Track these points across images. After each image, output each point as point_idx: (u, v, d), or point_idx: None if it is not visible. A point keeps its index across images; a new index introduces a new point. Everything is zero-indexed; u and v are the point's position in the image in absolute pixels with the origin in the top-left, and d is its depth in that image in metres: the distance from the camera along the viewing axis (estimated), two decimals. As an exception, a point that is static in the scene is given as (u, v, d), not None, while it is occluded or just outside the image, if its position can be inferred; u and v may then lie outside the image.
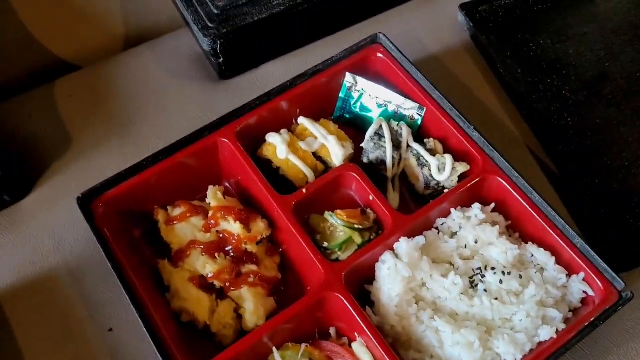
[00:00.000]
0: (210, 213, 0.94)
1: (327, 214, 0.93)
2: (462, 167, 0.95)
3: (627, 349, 0.91)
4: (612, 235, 0.96)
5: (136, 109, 1.13)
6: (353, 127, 1.06)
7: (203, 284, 0.90)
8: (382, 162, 0.98)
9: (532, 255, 0.90)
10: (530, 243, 0.91)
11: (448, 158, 0.95)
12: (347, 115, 1.08)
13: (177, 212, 0.95)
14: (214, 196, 0.95)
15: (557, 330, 0.83)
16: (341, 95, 1.06)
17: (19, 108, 1.12)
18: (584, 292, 0.87)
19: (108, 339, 0.91)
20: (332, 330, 0.89)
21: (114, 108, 1.13)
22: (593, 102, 1.12)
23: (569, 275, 0.88)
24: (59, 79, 1.16)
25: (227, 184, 1.01)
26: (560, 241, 0.89)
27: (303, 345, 0.86)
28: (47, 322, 0.92)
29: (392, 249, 0.90)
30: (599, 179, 1.03)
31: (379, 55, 1.05)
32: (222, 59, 1.11)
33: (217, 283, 0.89)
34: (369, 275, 0.90)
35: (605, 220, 0.98)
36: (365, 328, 0.83)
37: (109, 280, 0.94)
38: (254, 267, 0.91)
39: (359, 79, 1.04)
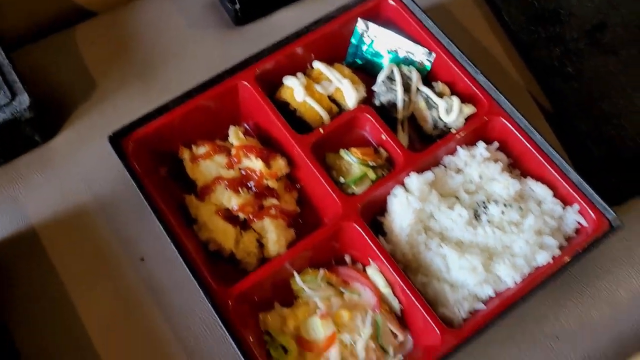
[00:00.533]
0: (233, 151, 1.00)
1: (342, 152, 1.00)
2: (469, 109, 1.01)
3: (615, 275, 1.00)
4: (605, 173, 1.03)
5: (155, 55, 1.17)
6: (364, 71, 1.11)
7: (228, 216, 0.97)
8: (393, 105, 1.04)
9: (532, 190, 0.98)
10: (529, 178, 0.99)
11: (455, 100, 1.01)
12: (359, 61, 1.13)
13: (201, 150, 1.01)
14: (235, 136, 1.01)
15: (553, 256, 0.91)
16: (353, 40, 1.11)
17: (41, 53, 1.16)
18: (578, 222, 0.95)
19: (141, 269, 0.99)
20: (347, 258, 0.97)
21: (134, 54, 1.17)
22: (592, 50, 1.17)
23: (564, 207, 0.96)
24: (78, 25, 1.20)
25: (245, 126, 1.07)
26: (558, 176, 0.97)
27: (321, 270, 0.94)
28: (84, 255, 1.00)
29: (403, 184, 0.97)
30: (595, 122, 1.09)
31: (391, 2, 1.10)
32: (237, 5, 1.15)
33: (241, 215, 0.96)
34: (382, 208, 0.98)
35: (599, 160, 1.05)
36: (379, 254, 0.91)
37: (138, 215, 1.02)
38: (275, 201, 0.98)
39: (371, 25, 1.09)
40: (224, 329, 0.85)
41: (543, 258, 0.91)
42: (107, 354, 0.93)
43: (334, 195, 0.95)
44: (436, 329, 0.86)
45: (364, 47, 1.11)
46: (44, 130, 1.08)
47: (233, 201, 0.96)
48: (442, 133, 1.04)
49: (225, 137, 1.04)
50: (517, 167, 1.02)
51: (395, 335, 0.90)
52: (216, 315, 0.85)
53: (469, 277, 0.90)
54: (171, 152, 1.03)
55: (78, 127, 1.10)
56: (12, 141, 1.05)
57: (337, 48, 1.12)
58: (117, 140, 0.98)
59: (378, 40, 1.10)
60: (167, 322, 0.95)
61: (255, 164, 0.98)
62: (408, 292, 0.88)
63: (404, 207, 0.94)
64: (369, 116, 1.01)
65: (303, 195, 1.02)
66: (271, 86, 1.06)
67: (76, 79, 1.14)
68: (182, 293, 0.96)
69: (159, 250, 0.99)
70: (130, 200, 1.02)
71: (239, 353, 0.83)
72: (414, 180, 0.95)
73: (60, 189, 1.04)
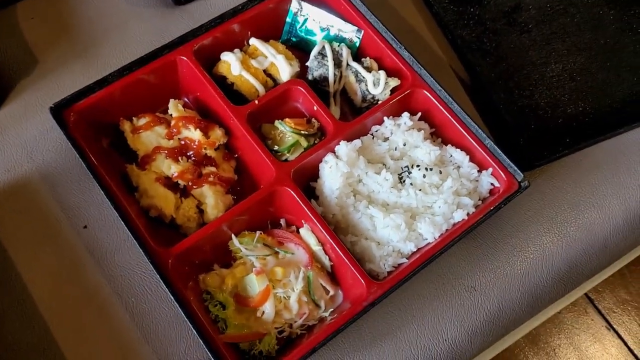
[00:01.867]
0: (173, 122, 1.05)
1: (277, 122, 1.06)
2: (394, 82, 1.09)
3: (526, 232, 1.10)
4: (517, 140, 1.13)
5: (95, 32, 1.20)
6: (298, 49, 1.17)
7: (168, 183, 1.02)
8: (325, 79, 1.11)
9: (451, 155, 1.07)
10: (449, 145, 1.08)
11: (382, 74, 1.09)
12: (294, 39, 1.19)
13: (142, 122, 1.05)
14: (175, 108, 1.06)
15: (468, 213, 1.00)
16: (288, 19, 1.17)
17: (-19, 29, 1.18)
18: (492, 184, 1.05)
19: (83, 235, 1.03)
20: (282, 221, 1.03)
21: (75, 31, 1.20)
22: (509, 29, 1.27)
23: (480, 171, 1.06)
24: (18, 2, 1.22)
25: (185, 99, 1.12)
26: (474, 143, 1.06)
27: (257, 233, 1.00)
28: (26, 224, 1.02)
29: (334, 152, 1.04)
30: (510, 93, 1.19)
31: (322, -18, 1.17)
32: (178, -15, 1.20)
33: (181, 182, 1.01)
34: (314, 175, 1.05)
35: (513, 128, 1.15)
36: (311, 216, 0.97)
37: (80, 184, 1.06)
38: (213, 169, 1.03)
39: (304, 4, 1.16)
40: (164, 287, 0.90)
41: (459, 215, 1.00)
42: (52, 317, 0.96)
43: (268, 161, 1.01)
44: (363, 281, 0.93)
45: (298, 26, 1.18)
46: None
47: (173, 169, 1.01)
48: (370, 105, 1.11)
49: (165, 110, 1.08)
50: (439, 135, 1.11)
51: (327, 291, 0.98)
52: (157, 274, 0.91)
53: (393, 235, 0.98)
54: (112, 124, 1.07)
55: (19, 102, 1.12)
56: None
57: (272, 26, 1.18)
58: (59, 111, 1.01)
59: (311, 19, 1.17)
60: (110, 284, 0.99)
61: (194, 134, 1.03)
62: (338, 250, 0.96)
63: (333, 172, 1.01)
64: (301, 89, 1.08)
65: (240, 164, 1.08)
66: (209, 61, 1.11)
67: (16, 55, 1.16)
68: (124, 257, 1.01)
69: (101, 218, 1.03)
70: (73, 170, 1.07)
71: (179, 308, 0.89)
72: (343, 147, 1.03)
73: (2, 161, 1.07)
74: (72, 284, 0.99)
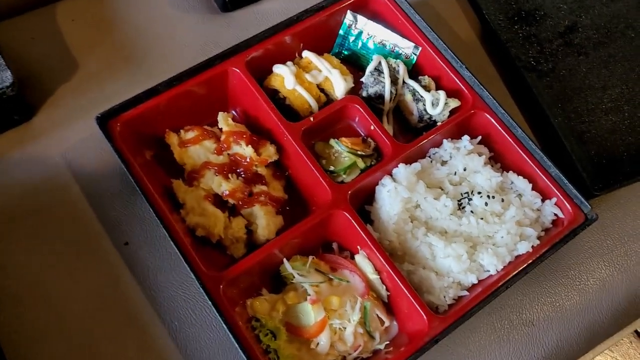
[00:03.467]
0: (223, 137, 1.00)
1: (332, 141, 1.01)
2: (454, 103, 1.04)
3: (585, 266, 1.05)
4: (574, 167, 1.08)
5: (139, 37, 1.15)
6: (349, 63, 1.13)
7: (216, 201, 0.97)
8: (380, 97, 1.06)
9: (512, 182, 1.02)
10: (510, 172, 1.03)
11: (442, 94, 1.04)
12: (345, 52, 1.14)
13: (189, 135, 1.00)
14: (225, 122, 1.01)
15: (532, 245, 0.95)
16: (341, 32, 1.12)
17: (20, 30, 1.12)
18: (555, 214, 1.00)
19: (124, 252, 0.97)
20: (334, 245, 0.98)
21: (117, 35, 1.15)
22: (565, 50, 1.23)
23: (543, 200, 1.01)
24: (58, 3, 1.17)
25: (233, 112, 1.07)
26: (537, 170, 1.01)
27: (310, 258, 0.95)
28: (65, 235, 0.97)
29: (391, 174, 0.99)
30: (568, 119, 1.15)
31: (379, -5, 1.12)
32: (227, -8, 1.15)
33: (231, 201, 0.96)
34: (367, 197, 1.00)
35: (571, 154, 1.10)
36: (368, 241, 0.92)
37: (122, 198, 1.01)
38: (264, 188, 0.98)
39: (359, 17, 1.11)
40: (212, 312, 0.85)
41: (523, 247, 0.95)
42: (92, 336, 0.91)
43: (324, 183, 0.96)
44: (423, 314, 0.88)
45: (351, 39, 1.13)
46: (24, 108, 1.04)
47: (223, 186, 0.96)
48: (427, 126, 1.07)
49: (211, 123, 1.04)
50: (499, 160, 1.06)
51: (382, 322, 0.93)
52: (207, 300, 0.85)
53: (454, 265, 0.93)
54: (156, 135, 1.02)
55: (60, 107, 1.06)
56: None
57: (324, 38, 1.13)
58: (104, 121, 0.96)
59: (365, 33, 1.12)
60: (152, 305, 0.94)
61: (245, 150, 0.98)
62: (396, 279, 0.91)
63: (392, 197, 0.96)
64: (358, 107, 1.03)
65: (290, 183, 1.03)
66: (258, 73, 1.06)
67: (57, 58, 1.11)
68: (166, 277, 0.96)
69: (143, 235, 0.98)
70: (113, 182, 1.01)
71: (233, 338, 0.84)
72: (402, 170, 0.98)
73: (39, 168, 1.01)
74: (112, 303, 0.94)
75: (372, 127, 1.02)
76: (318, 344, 0.88)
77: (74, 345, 0.90)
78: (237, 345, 0.83)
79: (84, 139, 1.04)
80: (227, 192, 0.95)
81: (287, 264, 0.93)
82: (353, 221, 0.93)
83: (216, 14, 1.19)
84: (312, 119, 1.00)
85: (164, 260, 0.97)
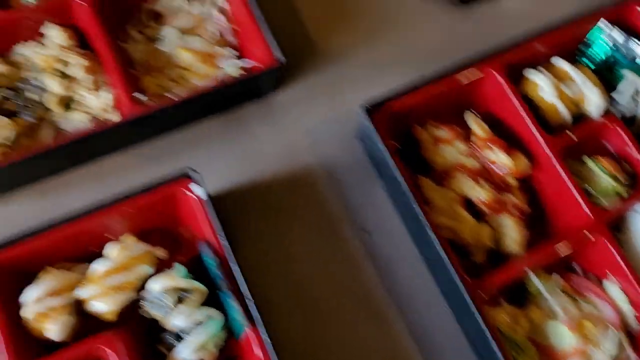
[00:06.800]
0: (478, 142, 0.98)
1: (590, 162, 0.98)
2: None
3: None
4: None
5: (379, 23, 1.14)
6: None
7: (464, 205, 0.96)
8: (632, 118, 1.02)
9: None
10: None
11: None
12: (591, 64, 1.10)
13: (441, 133, 0.99)
14: (479, 125, 0.99)
15: None
16: (589, 41, 1.07)
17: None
18: None
19: (365, 241, 0.98)
20: (576, 266, 0.97)
21: (358, 19, 1.14)
22: None
23: None
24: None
25: (476, 114, 1.05)
26: None
27: (555, 276, 0.94)
28: (308, 213, 0.99)
29: (645, 202, 0.96)
30: None
31: (645, 11, 1.07)
32: (469, -16, 1.11)
33: (485, 208, 0.95)
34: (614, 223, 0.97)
35: None
36: (625, 270, 0.90)
37: (364, 186, 1.02)
38: (513, 198, 0.97)
39: (615, 29, 1.05)
40: (478, 318, 0.85)
41: None
42: (330, 320, 0.94)
43: (583, 204, 0.93)
44: (680, 357, 0.87)
45: (601, 52, 1.08)
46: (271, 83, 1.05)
47: (480, 194, 0.95)
48: (682, 154, 1.02)
49: (456, 122, 1.02)
50: None
51: (628, 358, 0.91)
52: (472, 307, 0.85)
53: None
54: (402, 129, 1.01)
55: (304, 85, 1.08)
56: (243, 92, 1.03)
57: (570, 47, 1.09)
58: (371, 110, 0.95)
59: (620, 46, 1.07)
60: (391, 297, 0.95)
61: (500, 158, 0.97)
62: (653, 314, 0.89)
63: (648, 226, 0.93)
64: (619, 129, 0.99)
65: (534, 197, 1.01)
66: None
67: (299, 36, 1.11)
68: (406, 272, 0.97)
69: (385, 227, 0.99)
70: (357, 169, 1.03)
71: (494, 346, 0.84)
72: (660, 200, 0.95)
73: (284, 143, 1.04)
74: (351, 289, 0.95)
75: (628, 150, 0.99)
76: (568, 368, 0.88)
77: (316, 327, 0.93)
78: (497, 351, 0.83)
79: (325, 120, 1.06)
80: (485, 200, 0.94)
81: (535, 279, 0.92)
82: (612, 249, 0.91)
83: (455, 5, 1.17)
84: (574, 137, 0.97)
85: (404, 253, 0.98)
